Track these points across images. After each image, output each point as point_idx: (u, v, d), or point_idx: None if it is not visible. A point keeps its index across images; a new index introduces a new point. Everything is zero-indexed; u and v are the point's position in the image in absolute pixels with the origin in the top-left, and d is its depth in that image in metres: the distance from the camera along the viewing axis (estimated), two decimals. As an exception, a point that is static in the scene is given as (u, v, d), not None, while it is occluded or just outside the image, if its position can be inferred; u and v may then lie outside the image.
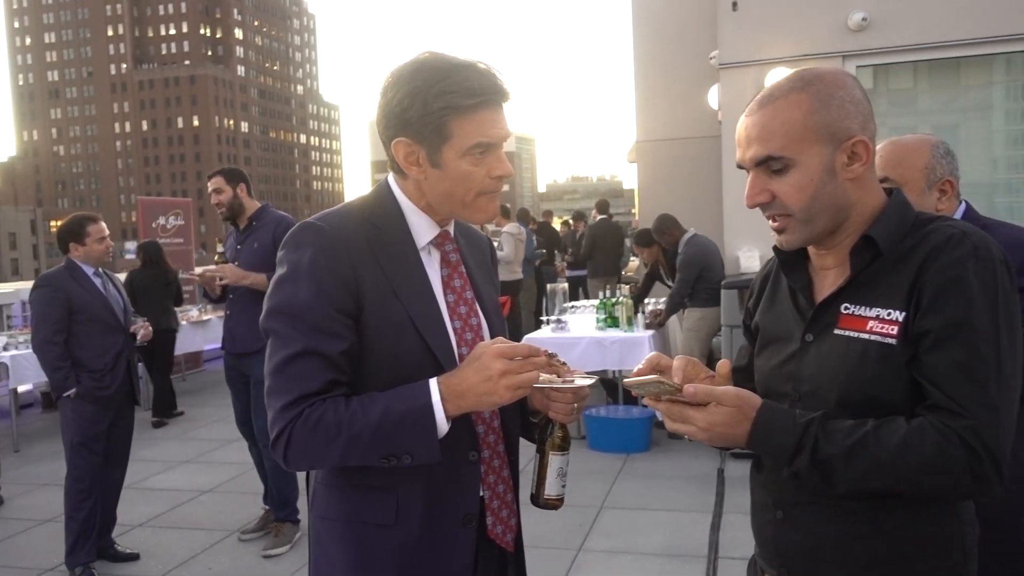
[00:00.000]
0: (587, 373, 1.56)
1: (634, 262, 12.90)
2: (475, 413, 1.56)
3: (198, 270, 4.89)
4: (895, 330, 1.28)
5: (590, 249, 11.05)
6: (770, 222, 1.39)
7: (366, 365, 1.49)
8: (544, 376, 1.49)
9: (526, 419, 1.69)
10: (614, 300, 6.48)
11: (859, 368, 1.31)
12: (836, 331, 1.35)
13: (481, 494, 1.59)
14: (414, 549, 1.53)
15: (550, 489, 1.60)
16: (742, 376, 1.56)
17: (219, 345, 5.12)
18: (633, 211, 17.83)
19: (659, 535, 4.47)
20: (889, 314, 1.29)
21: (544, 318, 7.15)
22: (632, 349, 6.03)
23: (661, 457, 5.92)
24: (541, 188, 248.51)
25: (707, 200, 8.06)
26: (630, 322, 6.32)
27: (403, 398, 1.41)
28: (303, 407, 1.42)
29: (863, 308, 1.33)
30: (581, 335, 6.25)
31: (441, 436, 1.42)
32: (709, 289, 6.40)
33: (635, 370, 1.39)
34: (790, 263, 1.47)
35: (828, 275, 1.42)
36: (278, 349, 1.46)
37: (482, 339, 1.59)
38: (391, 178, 1.62)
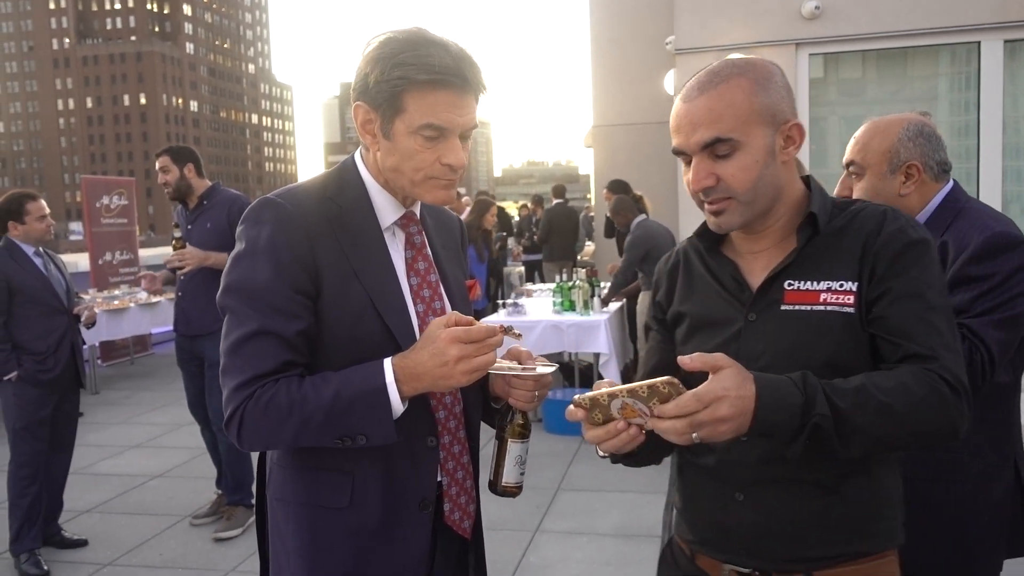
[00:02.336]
0: (547, 360, 1.54)
1: (590, 247, 12.95)
2: (435, 398, 1.55)
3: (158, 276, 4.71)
4: (851, 299, 1.35)
5: (546, 233, 11.08)
6: (707, 206, 1.41)
7: (325, 347, 1.47)
8: (505, 363, 1.48)
9: (488, 404, 1.67)
10: (571, 284, 6.51)
11: (821, 338, 1.35)
12: (783, 307, 1.39)
13: (439, 479, 1.57)
14: (369, 533, 1.51)
15: (508, 477, 1.58)
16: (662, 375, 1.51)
17: (167, 328, 5.00)
18: (588, 196, 17.87)
19: (614, 516, 4.52)
20: (841, 285, 1.36)
21: (501, 301, 7.15)
22: (588, 333, 6.06)
23: (616, 439, 5.96)
24: (497, 172, 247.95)
25: (662, 185, 8.14)
26: (587, 306, 6.35)
27: (356, 379, 1.39)
28: (255, 388, 1.40)
29: (810, 283, 1.38)
30: (538, 319, 6.26)
31: (396, 417, 1.40)
32: (652, 274, 6.44)
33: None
34: (712, 250, 1.50)
35: (758, 257, 1.45)
36: (233, 328, 1.44)
37: None
38: (357, 154, 1.59)
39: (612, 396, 1.24)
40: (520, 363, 1.50)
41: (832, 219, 1.41)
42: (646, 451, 1.40)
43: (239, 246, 1.47)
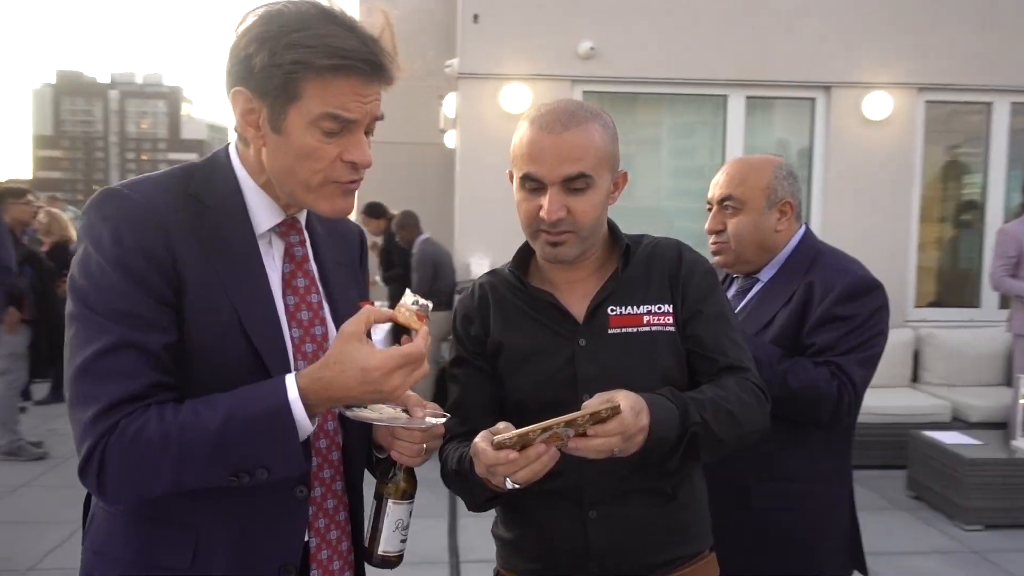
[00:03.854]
0: (439, 409, 1.38)
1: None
2: (308, 443, 1.31)
3: None
4: (670, 320, 1.52)
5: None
6: (547, 236, 1.48)
7: (186, 365, 1.23)
8: (389, 412, 1.31)
9: (371, 452, 1.47)
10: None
11: (653, 356, 1.49)
12: (610, 331, 1.51)
13: (307, 539, 1.34)
14: None
15: (386, 544, 1.38)
16: (484, 412, 1.53)
17: None
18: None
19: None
20: (659, 308, 1.52)
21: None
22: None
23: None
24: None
25: (425, 204, 8.14)
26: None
27: (250, 398, 1.18)
28: (119, 417, 1.15)
29: (630, 307, 1.52)
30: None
31: (304, 438, 1.19)
32: (439, 292, 6.52)
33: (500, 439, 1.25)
34: (523, 282, 1.58)
35: (574, 287, 1.56)
36: (83, 344, 1.18)
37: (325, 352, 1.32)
38: (232, 146, 1.35)
39: (545, 429, 1.22)
40: (408, 411, 1.33)
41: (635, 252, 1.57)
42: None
43: (81, 246, 1.23)
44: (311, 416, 1.19)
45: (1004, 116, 6.76)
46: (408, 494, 1.40)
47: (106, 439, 1.15)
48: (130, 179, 1.28)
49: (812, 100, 6.71)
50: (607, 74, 6.52)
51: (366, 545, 1.41)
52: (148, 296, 1.19)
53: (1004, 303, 6.60)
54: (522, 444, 1.23)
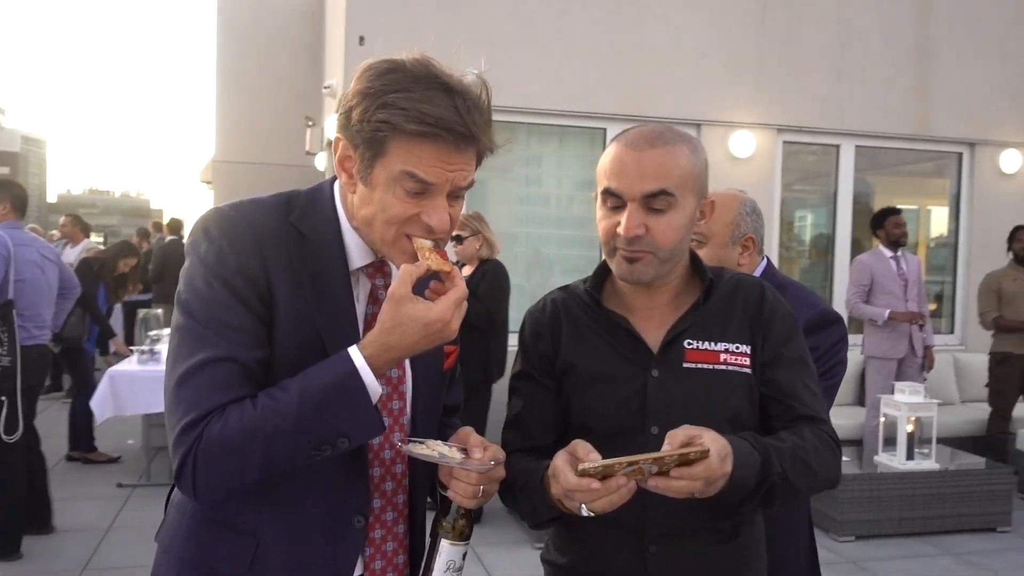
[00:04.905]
0: (499, 449, 1.37)
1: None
2: (373, 484, 1.37)
3: None
4: (747, 361, 1.47)
5: (159, 272, 10.04)
6: (624, 252, 1.44)
7: (266, 381, 1.26)
8: (445, 450, 1.31)
9: (435, 486, 1.45)
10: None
11: (725, 395, 1.45)
12: (685, 365, 1.46)
13: (360, 573, 1.36)
14: None
15: None
16: (546, 429, 1.52)
17: None
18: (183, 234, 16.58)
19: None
20: (737, 347, 1.47)
21: (134, 348, 6.25)
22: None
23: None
24: (51, 198, 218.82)
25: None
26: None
27: (320, 372, 1.22)
28: (203, 426, 1.19)
29: (708, 343, 1.47)
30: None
31: (376, 400, 1.23)
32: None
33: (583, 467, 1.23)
34: (599, 304, 1.52)
35: (653, 314, 1.51)
36: (185, 355, 1.22)
37: (400, 395, 1.39)
38: (337, 183, 1.36)
39: (631, 463, 1.20)
40: (467, 451, 1.33)
41: (717, 285, 1.53)
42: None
43: (188, 261, 1.29)
44: (378, 374, 1.23)
45: (849, 157, 7.40)
46: (464, 535, 1.37)
47: (195, 447, 1.19)
48: (234, 201, 1.32)
49: (683, 136, 7.07)
50: (492, 102, 6.58)
51: None
52: (247, 311, 1.24)
53: (853, 327, 7.19)
54: (605, 474, 1.21)
